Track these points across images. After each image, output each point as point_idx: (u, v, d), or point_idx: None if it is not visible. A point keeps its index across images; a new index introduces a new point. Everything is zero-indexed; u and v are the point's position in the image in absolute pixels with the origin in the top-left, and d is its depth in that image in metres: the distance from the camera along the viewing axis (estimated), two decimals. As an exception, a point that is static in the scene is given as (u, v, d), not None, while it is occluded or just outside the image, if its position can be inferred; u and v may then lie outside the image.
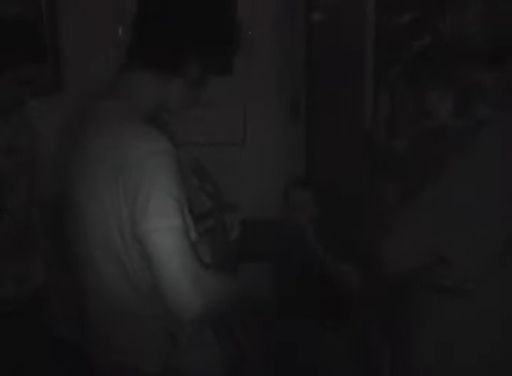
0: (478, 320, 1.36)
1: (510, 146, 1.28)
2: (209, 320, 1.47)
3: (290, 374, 2.27)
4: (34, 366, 2.01)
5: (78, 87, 2.62)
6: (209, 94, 2.94)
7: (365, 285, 2.28)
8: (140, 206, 1.27)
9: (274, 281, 2.43)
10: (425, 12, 1.58)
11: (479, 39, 1.33)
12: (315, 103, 3.07)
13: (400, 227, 1.37)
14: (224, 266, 1.52)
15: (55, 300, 2.10)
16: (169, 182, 1.29)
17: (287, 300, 2.40)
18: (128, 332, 1.46)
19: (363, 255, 1.88)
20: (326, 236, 2.45)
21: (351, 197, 2.44)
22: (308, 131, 3.15)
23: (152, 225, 1.26)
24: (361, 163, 2.28)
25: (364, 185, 2.28)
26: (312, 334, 2.33)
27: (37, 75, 1.86)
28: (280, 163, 3.09)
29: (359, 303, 2.30)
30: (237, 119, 3.10)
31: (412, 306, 1.50)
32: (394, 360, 1.69)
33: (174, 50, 1.42)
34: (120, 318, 1.45)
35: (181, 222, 1.28)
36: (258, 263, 2.60)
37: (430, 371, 1.45)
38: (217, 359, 1.50)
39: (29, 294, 2.00)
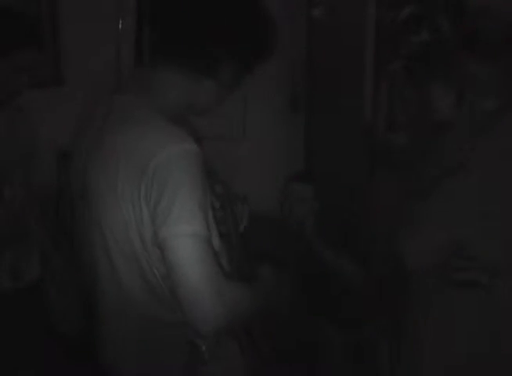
0: (494, 316, 1.35)
1: None
2: (232, 330, 1.41)
3: (289, 372, 2.27)
4: (31, 359, 2.01)
5: (78, 79, 2.61)
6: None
7: (365, 281, 2.28)
8: (163, 210, 1.19)
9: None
10: (424, 7, 1.58)
11: (479, 32, 1.32)
12: (315, 96, 3.07)
13: (421, 223, 1.36)
14: (241, 272, 1.46)
15: (53, 294, 2.10)
16: (194, 187, 1.22)
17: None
18: (144, 339, 1.38)
19: (365, 251, 1.88)
20: (325, 231, 2.45)
21: (350, 191, 2.44)
22: (308, 125, 3.14)
23: (174, 232, 1.19)
24: (361, 157, 2.28)
25: (364, 179, 2.28)
26: (312, 332, 2.33)
27: (32, 62, 1.85)
28: (280, 157, 3.09)
29: (359, 299, 2.30)
30: (237, 113, 3.09)
31: (417, 302, 1.50)
32: (396, 359, 1.68)
33: (208, 50, 1.29)
34: (137, 324, 1.38)
35: (205, 229, 1.21)
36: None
37: (436, 370, 1.45)
38: (239, 371, 1.44)
39: (26, 287, 2.00)
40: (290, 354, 2.26)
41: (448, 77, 1.41)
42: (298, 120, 3.17)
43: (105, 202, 1.30)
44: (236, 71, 1.35)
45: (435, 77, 1.45)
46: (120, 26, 2.81)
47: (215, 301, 1.19)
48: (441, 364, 1.43)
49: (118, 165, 1.25)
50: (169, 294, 1.30)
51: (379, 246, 1.60)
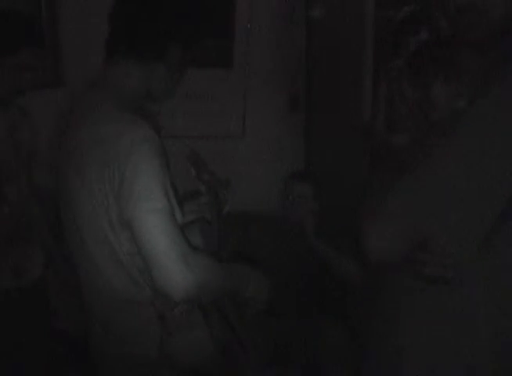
0: (460, 311, 1.35)
1: (493, 128, 1.28)
2: (198, 302, 1.50)
3: (289, 373, 2.27)
4: (33, 356, 2.01)
5: (78, 78, 2.61)
6: (209, 87, 2.97)
7: (364, 278, 2.29)
8: (126, 191, 1.32)
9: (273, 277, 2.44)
10: (423, 6, 1.59)
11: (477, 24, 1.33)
12: (315, 95, 3.08)
13: (383, 211, 1.36)
14: (217, 254, 1.55)
15: (55, 292, 2.11)
16: (152, 168, 1.34)
17: (286, 296, 2.40)
18: (122, 318, 1.49)
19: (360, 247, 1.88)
20: (325, 229, 2.46)
21: (350, 190, 2.44)
22: (308, 124, 3.15)
23: (138, 209, 1.31)
24: (360, 156, 2.29)
25: (363, 178, 2.28)
26: (312, 332, 2.34)
27: (36, 60, 1.87)
28: (279, 156, 3.10)
29: (359, 296, 2.31)
30: (236, 112, 3.10)
31: (392, 300, 1.50)
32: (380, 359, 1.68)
33: (153, 36, 1.45)
34: (115, 304, 1.48)
35: (166, 203, 1.33)
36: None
37: (413, 368, 1.45)
38: (205, 341, 1.52)
39: (28, 285, 2.01)
40: (290, 354, 2.28)
41: (448, 75, 1.42)
42: (298, 119, 3.17)
43: (77, 193, 1.44)
44: (179, 53, 1.50)
45: (435, 76, 1.45)
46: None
47: (182, 266, 1.30)
48: (424, 360, 1.43)
49: (84, 156, 1.40)
50: (140, 272, 1.42)
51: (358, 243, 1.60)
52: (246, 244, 2.44)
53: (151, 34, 1.45)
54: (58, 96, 2.47)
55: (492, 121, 1.27)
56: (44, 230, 2.07)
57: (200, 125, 2.95)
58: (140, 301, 1.45)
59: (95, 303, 1.54)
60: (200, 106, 2.95)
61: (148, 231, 1.31)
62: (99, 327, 1.55)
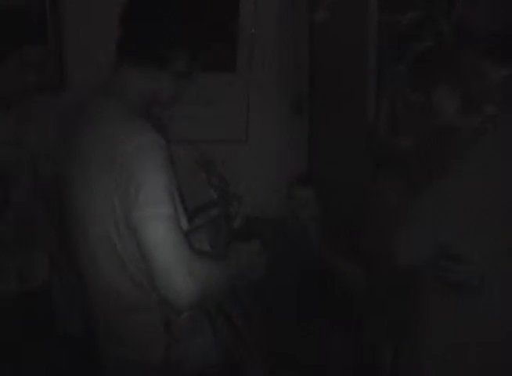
0: (486, 317, 1.36)
1: None
2: (203, 308, 1.50)
3: (291, 374, 2.27)
4: (37, 361, 2.01)
5: (81, 78, 2.61)
6: (212, 91, 2.98)
7: (368, 283, 2.29)
8: (132, 196, 1.31)
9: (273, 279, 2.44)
10: (428, 10, 1.59)
11: (490, 33, 1.33)
12: (318, 100, 3.08)
13: (411, 220, 1.38)
14: (220, 255, 1.56)
15: (60, 296, 2.11)
16: (158, 173, 1.34)
17: (287, 300, 2.40)
18: (128, 325, 1.48)
19: (367, 252, 1.88)
20: (328, 234, 2.46)
21: (353, 195, 2.44)
22: (311, 129, 3.15)
23: (142, 214, 1.30)
24: (364, 160, 2.29)
25: (367, 182, 2.28)
26: (313, 334, 2.34)
27: (39, 60, 1.88)
28: (283, 160, 3.10)
29: (362, 301, 2.30)
30: (240, 116, 3.10)
31: (417, 303, 1.51)
32: (398, 360, 1.69)
33: (160, 45, 1.47)
34: (120, 311, 1.48)
35: (170, 210, 1.32)
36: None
37: (438, 369, 1.45)
38: (211, 348, 1.52)
39: (33, 290, 2.01)
40: (292, 356, 2.27)
41: (450, 81, 1.42)
42: (301, 123, 3.17)
43: (81, 195, 1.44)
44: (185, 62, 1.51)
45: (437, 81, 1.45)
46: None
47: (186, 279, 1.29)
48: (449, 362, 1.43)
49: (91, 161, 1.40)
50: (145, 278, 1.40)
51: (379, 247, 1.62)
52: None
53: (156, 44, 1.47)
54: (62, 98, 2.48)
55: None
56: (48, 234, 2.07)
57: (203, 129, 2.95)
58: (144, 306, 1.44)
59: (101, 308, 1.53)
60: (203, 110, 2.96)
61: (152, 239, 1.30)
62: (102, 329, 1.55)
